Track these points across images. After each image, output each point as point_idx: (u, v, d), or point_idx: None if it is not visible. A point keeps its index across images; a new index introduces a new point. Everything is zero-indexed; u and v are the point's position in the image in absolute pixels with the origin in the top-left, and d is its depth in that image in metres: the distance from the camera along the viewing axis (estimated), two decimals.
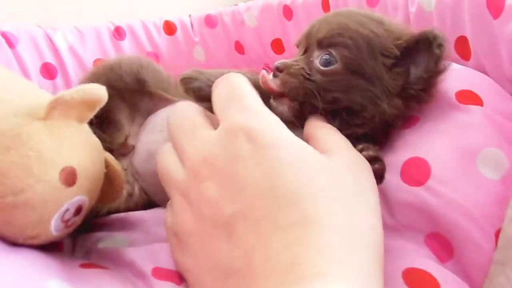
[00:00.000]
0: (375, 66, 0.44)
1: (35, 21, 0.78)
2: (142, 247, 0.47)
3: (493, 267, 0.38)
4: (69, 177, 0.39)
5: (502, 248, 0.39)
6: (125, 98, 0.61)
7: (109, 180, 0.46)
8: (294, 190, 0.32)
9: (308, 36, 0.47)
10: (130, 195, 0.58)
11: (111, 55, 0.80)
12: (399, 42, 0.44)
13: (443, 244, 0.40)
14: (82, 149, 0.41)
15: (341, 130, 0.42)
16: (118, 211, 0.56)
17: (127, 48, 0.81)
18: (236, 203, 0.33)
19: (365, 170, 0.38)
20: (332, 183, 0.34)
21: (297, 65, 0.44)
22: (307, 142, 0.39)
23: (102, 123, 0.55)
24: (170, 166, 0.40)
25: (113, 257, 0.46)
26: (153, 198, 0.60)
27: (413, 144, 0.45)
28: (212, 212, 0.34)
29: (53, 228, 0.40)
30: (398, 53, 0.44)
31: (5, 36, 0.71)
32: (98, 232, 0.51)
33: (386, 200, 0.43)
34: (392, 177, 0.43)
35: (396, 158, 0.44)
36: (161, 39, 0.84)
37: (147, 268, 0.43)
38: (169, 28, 0.84)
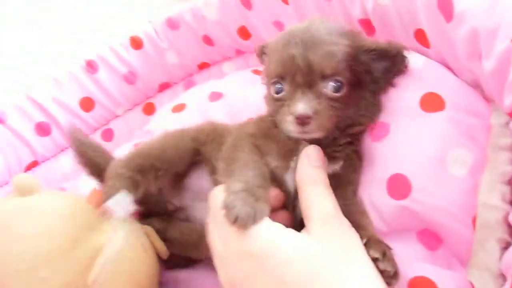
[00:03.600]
0: (365, 75, 0.50)
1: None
2: None
3: (475, 246, 0.47)
4: None
5: (479, 229, 0.47)
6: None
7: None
8: (297, 282, 0.38)
9: (301, 72, 0.48)
10: None
11: (92, 90, 0.82)
12: (373, 53, 0.50)
13: (432, 237, 0.49)
14: (137, 275, 0.49)
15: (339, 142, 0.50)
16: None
17: (104, 77, 0.83)
18: None
19: (353, 240, 0.44)
20: (330, 267, 0.40)
21: (321, 104, 0.48)
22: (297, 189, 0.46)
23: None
24: None
25: None
26: None
27: (391, 159, 0.50)
28: None
29: None
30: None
31: None
32: None
33: (378, 212, 0.50)
34: (381, 192, 0.50)
35: (380, 173, 0.51)
36: (131, 56, 0.85)
37: None
38: (136, 43, 0.85)
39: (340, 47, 0.48)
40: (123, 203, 0.51)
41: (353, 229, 0.45)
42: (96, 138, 0.85)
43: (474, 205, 0.47)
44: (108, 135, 0.85)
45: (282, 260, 0.39)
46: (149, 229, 0.53)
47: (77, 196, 0.53)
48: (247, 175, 0.47)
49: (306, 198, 0.46)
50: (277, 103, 0.51)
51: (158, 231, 0.56)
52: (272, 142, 0.52)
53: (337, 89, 0.49)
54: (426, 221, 0.48)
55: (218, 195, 0.46)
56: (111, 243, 0.47)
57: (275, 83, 0.51)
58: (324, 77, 0.48)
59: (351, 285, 0.39)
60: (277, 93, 0.50)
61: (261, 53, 0.58)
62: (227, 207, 0.43)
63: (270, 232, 0.42)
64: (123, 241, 0.48)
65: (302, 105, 0.47)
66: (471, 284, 0.46)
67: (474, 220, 0.47)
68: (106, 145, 0.83)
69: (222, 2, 0.80)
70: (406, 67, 0.53)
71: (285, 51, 0.49)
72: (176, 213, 0.61)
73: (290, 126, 0.48)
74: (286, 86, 0.50)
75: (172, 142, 0.59)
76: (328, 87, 0.48)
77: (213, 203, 0.46)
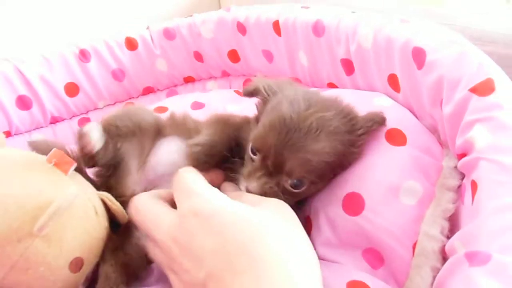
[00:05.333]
0: (338, 158, 0.53)
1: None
2: None
3: (412, 270, 0.51)
4: (77, 266, 0.49)
5: (418, 255, 0.51)
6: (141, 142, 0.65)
7: (113, 215, 0.55)
8: (241, 240, 0.41)
9: (272, 161, 0.51)
10: None
11: (80, 78, 0.85)
12: (360, 132, 0.54)
13: (375, 256, 0.53)
14: (84, 235, 0.50)
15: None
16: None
17: (94, 68, 0.86)
18: (203, 268, 0.41)
19: (287, 209, 0.48)
20: (270, 227, 0.43)
21: (273, 189, 0.51)
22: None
23: (114, 169, 0.62)
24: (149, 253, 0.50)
25: None
26: None
27: (350, 179, 0.55)
28: (190, 279, 0.43)
29: None
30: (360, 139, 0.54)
31: None
32: None
33: (332, 225, 0.54)
34: (337, 208, 0.54)
35: (339, 191, 0.55)
36: (124, 55, 0.88)
37: None
38: (131, 44, 0.89)
39: (320, 157, 0.51)
40: (97, 130, 0.58)
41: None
42: (73, 124, 0.87)
43: (416, 233, 0.52)
44: (85, 123, 0.86)
45: (228, 220, 0.42)
46: (106, 194, 0.55)
47: (38, 155, 0.55)
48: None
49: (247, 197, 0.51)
50: (249, 159, 0.54)
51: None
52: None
53: (297, 187, 0.52)
54: (373, 240, 0.52)
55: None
56: (62, 197, 0.48)
57: (252, 148, 0.53)
58: (290, 176, 0.51)
59: (292, 249, 0.42)
60: (252, 153, 0.53)
61: (251, 93, 0.59)
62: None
63: (220, 196, 0.46)
64: (74, 198, 0.50)
65: (255, 185, 0.51)
66: None
67: (414, 246, 0.52)
68: None
69: (219, 24, 0.86)
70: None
71: (268, 134, 0.51)
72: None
73: (241, 185, 0.53)
74: (258, 157, 0.52)
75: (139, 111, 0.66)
76: (289, 182, 0.51)
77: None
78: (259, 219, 0.43)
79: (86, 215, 0.51)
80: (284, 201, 0.49)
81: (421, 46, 0.56)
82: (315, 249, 0.46)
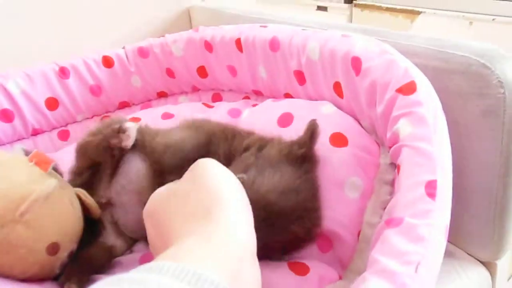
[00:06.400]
0: None
1: None
2: None
3: (355, 254, 0.59)
4: (53, 250, 0.55)
5: (361, 241, 0.59)
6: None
7: (87, 208, 0.62)
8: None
9: None
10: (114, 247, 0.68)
11: (59, 93, 0.92)
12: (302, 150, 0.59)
13: (326, 242, 0.60)
14: (61, 223, 0.56)
15: None
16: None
17: (73, 84, 0.93)
18: None
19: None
20: None
21: None
22: None
23: (92, 176, 0.68)
24: None
25: None
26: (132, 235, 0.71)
27: None
28: None
29: None
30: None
31: None
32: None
33: None
34: None
35: None
36: (101, 72, 0.96)
37: None
38: (107, 62, 0.96)
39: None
40: (135, 129, 0.67)
41: None
42: (53, 136, 0.93)
43: (360, 222, 0.60)
44: (64, 135, 0.93)
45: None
46: (80, 190, 0.62)
47: (20, 156, 0.62)
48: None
49: None
50: None
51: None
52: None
53: None
54: (325, 228, 0.60)
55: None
56: (42, 186, 0.55)
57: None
58: None
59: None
60: None
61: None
62: None
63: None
64: (53, 189, 0.56)
65: None
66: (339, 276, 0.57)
67: (358, 234, 0.60)
68: (61, 143, 0.93)
69: (188, 42, 0.94)
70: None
71: None
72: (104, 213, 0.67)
73: None
74: None
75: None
76: None
77: None
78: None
79: (63, 205, 0.57)
80: None
81: (358, 55, 0.65)
82: None
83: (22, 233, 0.52)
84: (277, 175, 0.55)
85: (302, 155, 0.58)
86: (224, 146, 0.65)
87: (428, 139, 0.53)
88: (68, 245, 0.57)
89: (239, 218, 0.37)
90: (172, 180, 0.46)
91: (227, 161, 0.61)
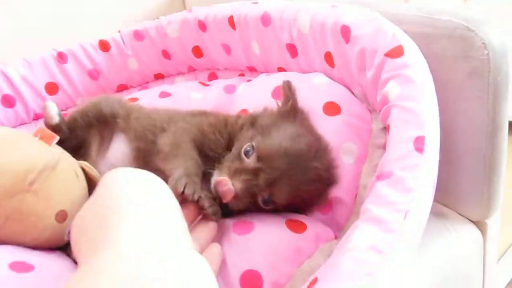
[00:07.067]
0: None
1: None
2: None
3: (352, 216, 0.61)
4: (62, 217, 0.57)
5: (357, 204, 0.61)
6: (101, 132, 0.73)
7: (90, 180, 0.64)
8: None
9: (267, 180, 0.54)
10: None
11: (59, 78, 0.94)
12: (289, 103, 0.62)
13: (328, 205, 0.62)
14: (68, 192, 0.58)
15: None
16: None
17: (71, 69, 0.95)
18: None
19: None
20: None
21: (247, 195, 0.54)
22: None
23: (79, 149, 0.71)
24: None
25: None
26: None
27: None
28: None
29: None
30: None
31: None
32: None
33: None
34: None
35: None
36: (98, 56, 0.98)
37: None
38: (104, 46, 0.98)
39: (306, 195, 0.57)
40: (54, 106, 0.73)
41: None
42: None
43: (357, 186, 0.63)
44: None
45: None
46: (84, 162, 0.64)
47: (25, 132, 0.64)
48: (187, 163, 0.55)
49: None
50: (236, 156, 0.56)
51: None
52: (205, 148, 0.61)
53: (267, 204, 0.56)
54: None
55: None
56: (49, 157, 0.57)
57: (248, 151, 0.55)
58: (271, 196, 0.55)
59: None
60: (246, 155, 0.55)
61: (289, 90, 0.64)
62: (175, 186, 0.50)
63: None
64: (58, 159, 0.58)
65: (239, 186, 0.53)
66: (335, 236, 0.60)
67: (355, 197, 0.62)
68: None
69: (182, 23, 0.96)
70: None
71: (281, 157, 0.54)
72: None
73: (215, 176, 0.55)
74: (253, 163, 0.54)
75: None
76: (264, 198, 0.55)
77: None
78: None
79: (69, 175, 0.60)
80: (241, 206, 0.55)
81: (347, 24, 0.67)
82: None
83: (32, 201, 0.55)
84: (280, 130, 0.58)
85: (291, 109, 0.61)
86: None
87: (415, 98, 0.55)
88: (75, 213, 0.59)
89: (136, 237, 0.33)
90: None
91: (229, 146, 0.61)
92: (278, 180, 0.54)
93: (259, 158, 0.54)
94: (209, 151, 0.60)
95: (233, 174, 0.54)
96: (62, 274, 0.52)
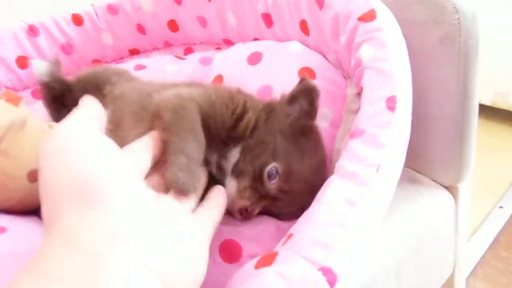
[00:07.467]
0: None
1: None
2: None
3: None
4: (34, 177, 0.56)
5: (331, 168, 0.61)
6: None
7: None
8: None
9: (277, 195, 0.52)
10: None
11: (30, 51, 0.92)
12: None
13: None
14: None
15: None
16: None
17: (43, 42, 0.93)
18: None
19: None
20: None
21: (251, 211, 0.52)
22: None
23: None
24: None
25: None
26: None
27: None
28: None
29: None
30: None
31: None
32: None
33: None
34: None
35: None
36: (71, 30, 0.96)
37: None
38: (77, 19, 0.97)
39: None
40: (42, 65, 0.73)
41: None
42: (27, 95, 0.94)
43: (331, 150, 0.63)
44: (38, 94, 0.94)
45: None
46: (55, 123, 0.63)
47: None
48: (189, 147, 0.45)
49: None
50: (252, 167, 0.52)
51: None
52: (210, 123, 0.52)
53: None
54: None
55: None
56: (15, 115, 0.56)
57: (274, 173, 0.51)
58: (278, 210, 0.54)
59: None
60: (268, 176, 0.51)
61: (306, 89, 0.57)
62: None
63: None
64: (26, 117, 0.57)
65: (245, 203, 0.51)
66: None
67: (331, 162, 0.62)
68: (34, 102, 0.94)
69: None
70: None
71: (305, 179, 0.53)
72: None
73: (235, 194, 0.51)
74: (274, 185, 0.52)
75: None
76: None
77: None
78: None
79: (38, 135, 0.59)
80: None
81: None
82: None
83: (1, 161, 0.54)
84: (304, 155, 0.53)
85: (311, 125, 0.57)
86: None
87: (388, 60, 0.56)
88: None
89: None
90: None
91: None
92: (291, 199, 0.52)
93: (281, 187, 0.52)
94: (212, 128, 0.52)
95: (256, 201, 0.52)
96: (34, 238, 0.52)
